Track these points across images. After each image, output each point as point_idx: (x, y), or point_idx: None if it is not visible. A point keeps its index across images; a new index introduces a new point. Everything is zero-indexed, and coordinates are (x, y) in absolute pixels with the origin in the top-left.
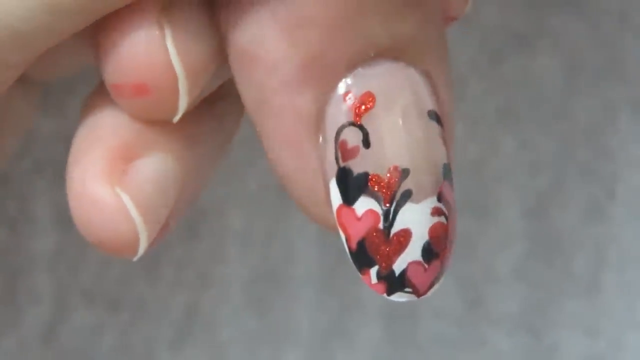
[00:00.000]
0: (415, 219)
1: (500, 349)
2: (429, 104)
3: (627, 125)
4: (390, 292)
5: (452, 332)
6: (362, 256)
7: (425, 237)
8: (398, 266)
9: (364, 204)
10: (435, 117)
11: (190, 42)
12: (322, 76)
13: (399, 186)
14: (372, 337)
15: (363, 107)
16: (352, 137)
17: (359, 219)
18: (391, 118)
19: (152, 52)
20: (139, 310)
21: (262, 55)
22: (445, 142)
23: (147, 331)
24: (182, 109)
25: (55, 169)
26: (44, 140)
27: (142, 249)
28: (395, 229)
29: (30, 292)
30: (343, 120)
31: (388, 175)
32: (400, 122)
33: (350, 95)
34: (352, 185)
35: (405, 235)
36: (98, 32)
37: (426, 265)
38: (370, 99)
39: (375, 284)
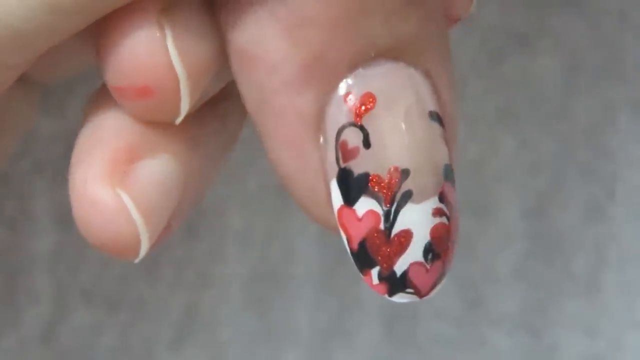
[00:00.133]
0: (416, 219)
1: (500, 348)
2: (430, 105)
3: (627, 125)
4: (391, 293)
5: (452, 332)
6: (363, 257)
7: (427, 238)
8: (399, 267)
9: (364, 205)
10: (437, 117)
11: (192, 43)
12: (323, 76)
13: (399, 187)
14: (371, 337)
15: (363, 107)
16: (353, 137)
17: (359, 220)
18: (392, 118)
19: (153, 54)
20: (138, 310)
21: (262, 55)
22: (447, 142)
23: (147, 331)
24: (185, 110)
25: (55, 169)
26: (43, 140)
27: (143, 251)
28: (396, 229)
29: (30, 292)
30: (344, 120)
31: (388, 175)
32: (401, 122)
33: (350, 95)
34: (352, 186)
35: (406, 236)
36: (99, 34)
37: (428, 266)
38: (371, 100)
39: (376, 284)
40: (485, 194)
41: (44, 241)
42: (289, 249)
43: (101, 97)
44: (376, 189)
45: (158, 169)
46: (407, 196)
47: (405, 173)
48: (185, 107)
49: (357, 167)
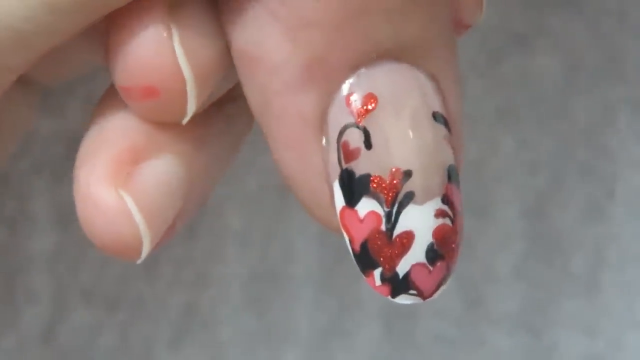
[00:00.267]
0: (419, 220)
1: (500, 348)
2: (434, 106)
3: (627, 125)
4: (394, 295)
5: (452, 332)
6: (366, 258)
7: (430, 239)
8: (402, 268)
9: (366, 206)
10: (441, 119)
11: (198, 44)
12: (325, 77)
13: (401, 188)
14: (371, 337)
15: (365, 108)
16: (355, 138)
17: (361, 221)
18: (393, 119)
19: (160, 54)
20: (138, 310)
21: (264, 56)
22: (452, 145)
23: (146, 331)
24: (191, 111)
25: (55, 169)
26: (43, 141)
27: (145, 253)
28: (398, 230)
29: (29, 291)
30: (345, 121)
31: (390, 176)
32: (403, 123)
33: (352, 96)
34: (354, 187)
35: (408, 237)
36: (107, 34)
37: (431, 268)
38: (373, 100)
39: (379, 286)
40: (485, 194)
41: (43, 241)
42: (288, 249)
43: (108, 98)
44: (378, 190)
45: (163, 169)
46: (409, 197)
47: (407, 174)
48: (191, 108)
49: (359, 168)
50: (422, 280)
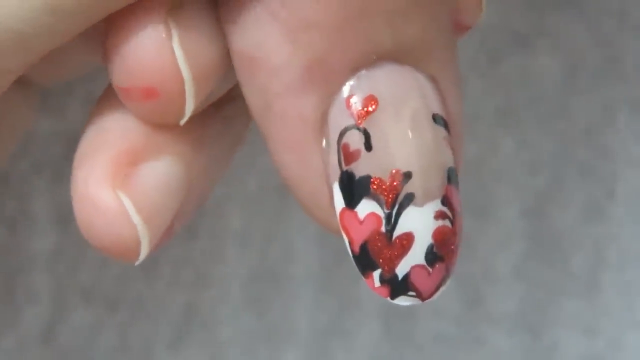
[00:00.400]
0: (418, 222)
1: (500, 348)
2: (434, 108)
3: (627, 125)
4: (393, 296)
5: (452, 332)
6: (365, 259)
7: (429, 241)
8: (401, 270)
9: (366, 207)
10: (441, 121)
11: (198, 45)
12: (325, 79)
13: (401, 189)
14: (371, 337)
15: (365, 109)
16: (355, 140)
17: (361, 222)
18: (394, 121)
19: (159, 55)
20: (137, 310)
21: (264, 58)
22: (452, 147)
23: (146, 331)
24: (189, 112)
25: (54, 169)
26: (42, 141)
27: (143, 254)
28: (398, 232)
29: (29, 291)
30: (346, 123)
31: (390, 178)
32: (404, 125)
33: (353, 98)
34: (354, 189)
35: (407, 239)
36: (106, 35)
37: (430, 269)
38: (373, 102)
39: (378, 287)
40: (485, 194)
41: (43, 241)
42: (288, 249)
43: (106, 99)
44: (378, 192)
45: (161, 170)
46: (409, 199)
47: (407, 176)
48: (189, 109)
49: (359, 169)
50: (421, 281)
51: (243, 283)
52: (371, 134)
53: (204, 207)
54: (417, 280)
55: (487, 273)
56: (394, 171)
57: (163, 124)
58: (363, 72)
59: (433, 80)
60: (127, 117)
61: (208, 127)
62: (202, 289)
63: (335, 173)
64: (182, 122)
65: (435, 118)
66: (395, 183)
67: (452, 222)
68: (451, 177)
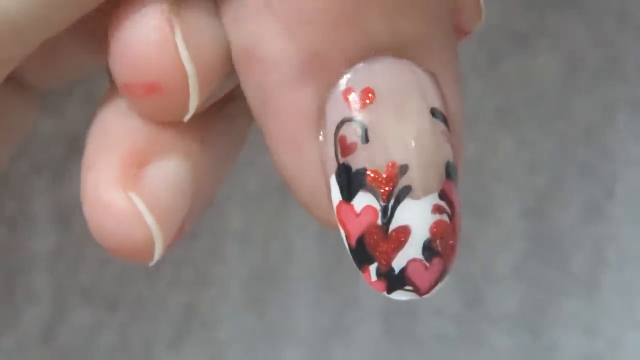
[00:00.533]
0: (415, 215)
1: (500, 348)
2: (433, 102)
3: (626, 125)
4: (390, 290)
5: (452, 331)
6: (362, 253)
7: (426, 235)
8: (397, 263)
9: (362, 200)
10: (439, 115)
11: (201, 40)
12: (322, 73)
13: (397, 182)
14: (371, 335)
15: (362, 102)
16: (352, 132)
17: (357, 215)
18: (391, 114)
19: (162, 50)
20: (137, 310)
21: (261, 52)
22: (451, 143)
23: (146, 330)
24: (193, 107)
25: (54, 169)
26: (42, 141)
27: (158, 254)
28: (394, 225)
29: (29, 291)
30: (343, 116)
31: (386, 171)
32: (400, 117)
33: (350, 91)
34: (350, 181)
35: (404, 232)
36: (108, 32)
37: (427, 264)
38: (370, 94)
39: (375, 281)
40: (485, 194)
41: (43, 241)
42: (288, 249)
43: (110, 100)
44: (374, 184)
45: (169, 170)
46: (405, 192)
47: (403, 168)
48: (193, 105)
49: (355, 162)
50: (418, 276)
51: (243, 282)
52: (368, 126)
53: None
54: (414, 274)
55: (487, 273)
56: (390, 164)
57: (167, 121)
58: (360, 65)
59: (432, 76)
60: (132, 117)
61: (212, 126)
62: (202, 288)
63: (332, 166)
64: (186, 118)
65: (433, 112)
66: (391, 176)
67: (450, 218)
68: (450, 172)
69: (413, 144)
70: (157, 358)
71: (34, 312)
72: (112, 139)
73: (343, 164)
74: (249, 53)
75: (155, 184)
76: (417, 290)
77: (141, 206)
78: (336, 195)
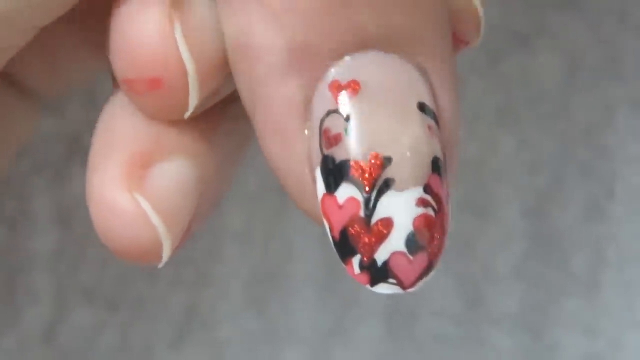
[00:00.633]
0: (398, 208)
1: (500, 348)
2: (420, 96)
3: (626, 124)
4: (373, 283)
5: (452, 331)
6: (345, 245)
7: (409, 228)
8: (380, 256)
9: (345, 192)
10: (427, 110)
11: (201, 36)
12: (308, 64)
13: (379, 174)
14: (372, 336)
15: (347, 94)
16: (336, 124)
17: (340, 207)
18: (375, 106)
19: (162, 45)
20: (138, 310)
21: (250, 43)
22: (440, 139)
23: (147, 330)
24: (193, 103)
25: (54, 169)
26: (43, 141)
27: (166, 255)
28: (377, 217)
29: (30, 291)
30: (327, 107)
31: (369, 162)
32: (385, 110)
33: (335, 83)
34: (334, 173)
35: (386, 225)
36: (109, 28)
37: (411, 257)
38: (355, 87)
39: (358, 274)
40: (485, 194)
41: (44, 241)
42: (288, 249)
43: (115, 100)
44: (356, 176)
45: (174, 171)
46: (388, 184)
47: (387, 160)
48: (193, 101)
49: (339, 153)
50: (401, 269)
51: (244, 282)
52: (352, 118)
53: None
54: (397, 267)
55: (488, 273)
56: (373, 155)
57: (168, 119)
58: (347, 58)
59: (421, 70)
60: (137, 117)
61: (217, 126)
62: (203, 288)
63: (318, 158)
64: (187, 114)
65: (421, 107)
66: (374, 167)
67: (436, 212)
68: (436, 167)
69: (397, 137)
70: (158, 358)
71: (35, 312)
72: (117, 139)
73: (327, 155)
74: (238, 45)
75: (161, 184)
76: (400, 284)
77: (147, 207)
78: (321, 188)
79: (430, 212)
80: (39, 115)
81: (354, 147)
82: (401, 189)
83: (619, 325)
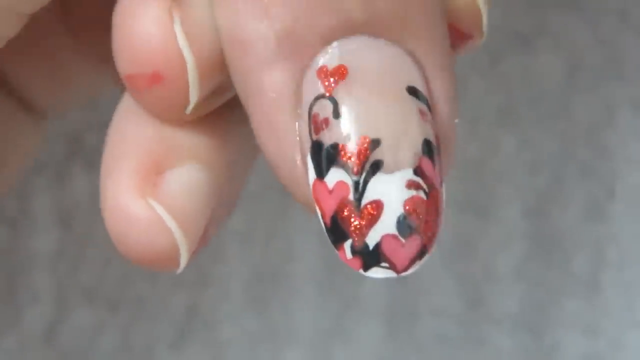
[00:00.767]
0: (387, 190)
1: (501, 348)
2: (410, 80)
3: (627, 124)
4: (366, 268)
5: (453, 332)
6: (336, 230)
7: (400, 210)
8: (371, 239)
9: (334, 176)
10: (417, 94)
11: (201, 30)
12: (296, 52)
13: (368, 156)
14: (372, 336)
15: (334, 79)
16: (323, 109)
17: (330, 192)
18: (363, 89)
19: (162, 38)
20: (139, 310)
21: (239, 35)
22: (429, 121)
23: (147, 330)
24: (194, 98)
25: (55, 169)
26: (43, 141)
27: (184, 261)
28: (366, 199)
29: (31, 291)
30: (316, 93)
31: (357, 145)
32: (372, 93)
33: (323, 68)
34: (323, 158)
35: (376, 207)
36: (112, 26)
37: (403, 240)
38: (343, 71)
39: (350, 259)
40: (486, 194)
41: (44, 241)
42: (289, 248)
43: (126, 106)
44: (345, 159)
45: (188, 176)
46: (377, 165)
47: (375, 143)
48: (194, 96)
49: (327, 138)
50: (393, 252)
51: (244, 282)
52: (339, 102)
53: None
54: (389, 250)
55: (488, 273)
56: (360, 138)
57: (171, 116)
58: (335, 44)
59: (412, 55)
60: (149, 123)
61: (229, 130)
62: (204, 288)
63: (308, 145)
64: (189, 110)
65: (412, 90)
66: (362, 150)
67: (427, 195)
68: (427, 149)
69: (385, 119)
70: (158, 358)
71: (36, 312)
72: (129, 145)
73: (316, 141)
74: (229, 37)
75: (175, 189)
76: (393, 267)
77: (162, 212)
78: (312, 174)
79: (422, 195)
80: (46, 131)
81: (341, 131)
82: (390, 171)
83: (620, 325)
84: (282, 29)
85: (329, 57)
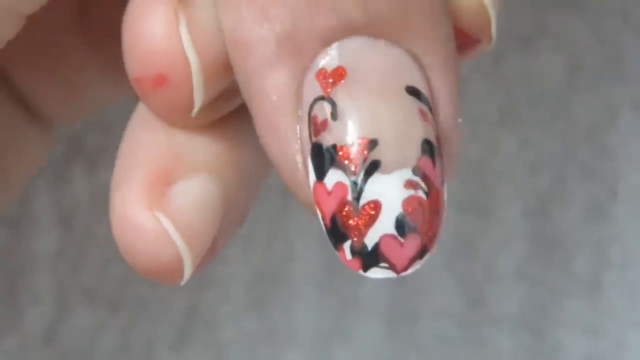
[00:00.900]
0: (386, 190)
1: (502, 349)
2: (409, 80)
3: (628, 125)
4: (365, 268)
5: (453, 332)
6: (336, 232)
7: (398, 209)
8: (370, 239)
9: (333, 177)
10: (417, 94)
11: (206, 32)
12: (296, 53)
13: (365, 157)
14: (372, 337)
15: (332, 80)
16: (323, 110)
17: (329, 193)
18: (361, 90)
19: (167, 41)
20: (139, 311)
21: (241, 37)
22: (429, 121)
23: (148, 331)
24: (199, 100)
25: (55, 170)
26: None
27: (187, 274)
28: (364, 200)
29: (31, 292)
30: (315, 95)
31: (355, 146)
32: (371, 93)
33: (322, 70)
34: (322, 160)
35: (375, 207)
36: (122, 29)
37: (402, 240)
38: (342, 72)
39: (350, 260)
40: (487, 194)
41: (45, 241)
42: (290, 250)
43: (139, 116)
44: (343, 160)
45: (197, 188)
46: (375, 166)
47: (372, 143)
48: (199, 97)
49: (326, 139)
50: (392, 252)
51: (245, 284)
52: (337, 103)
53: None
54: (388, 250)
55: (489, 273)
56: (358, 138)
57: (177, 119)
58: (334, 45)
59: (413, 55)
60: (160, 133)
61: (240, 142)
62: (204, 289)
63: (308, 147)
64: (194, 112)
65: (412, 91)
66: (360, 150)
67: (427, 195)
68: (428, 149)
69: (383, 119)
70: (159, 359)
71: (36, 313)
72: (139, 155)
73: (316, 143)
74: (232, 40)
75: (183, 202)
76: (393, 268)
77: (168, 225)
78: (312, 176)
79: (421, 195)
80: (54, 142)
81: (340, 132)
82: (388, 171)
83: (622, 325)
84: (282, 31)
85: (328, 59)
